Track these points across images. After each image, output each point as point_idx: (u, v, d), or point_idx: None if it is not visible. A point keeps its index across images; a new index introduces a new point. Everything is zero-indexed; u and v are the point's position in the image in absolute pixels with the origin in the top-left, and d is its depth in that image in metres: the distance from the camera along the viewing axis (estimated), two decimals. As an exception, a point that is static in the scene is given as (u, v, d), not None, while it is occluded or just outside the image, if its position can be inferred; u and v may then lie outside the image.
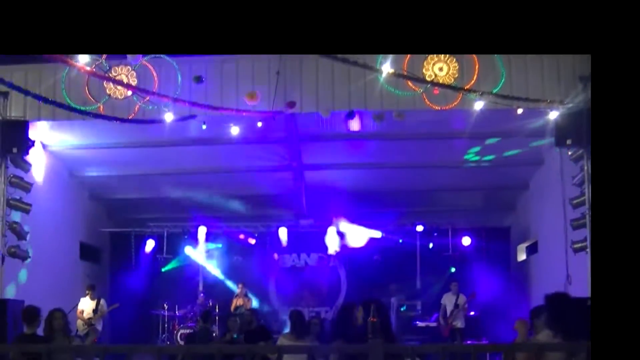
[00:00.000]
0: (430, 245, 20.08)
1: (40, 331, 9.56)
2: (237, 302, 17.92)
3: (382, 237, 20.05)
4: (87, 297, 16.45)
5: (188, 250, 20.50)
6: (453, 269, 19.86)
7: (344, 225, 19.74)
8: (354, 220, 19.76)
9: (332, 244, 20.11)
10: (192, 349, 8.96)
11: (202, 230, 20.25)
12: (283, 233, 20.37)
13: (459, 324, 17.46)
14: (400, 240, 20.19)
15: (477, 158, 17.09)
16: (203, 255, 20.47)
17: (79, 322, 15.96)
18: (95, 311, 16.19)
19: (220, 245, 20.71)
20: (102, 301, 16.52)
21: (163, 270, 20.54)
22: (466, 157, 17.07)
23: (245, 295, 18.16)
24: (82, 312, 16.14)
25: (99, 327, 16.21)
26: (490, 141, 16.14)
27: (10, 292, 13.61)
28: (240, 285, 18.36)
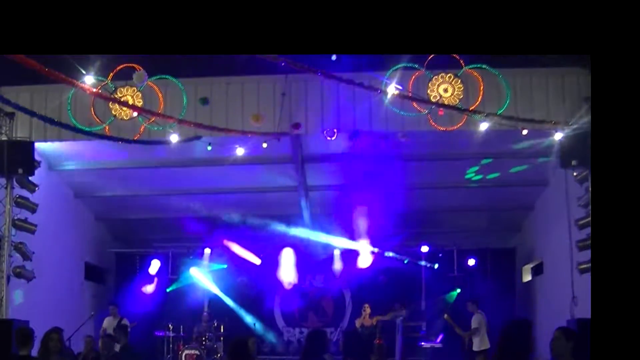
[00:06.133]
0: (436, 265, 19.95)
1: (35, 352, 9.31)
2: (362, 321, 17.73)
3: (387, 257, 19.93)
4: (111, 316, 16.70)
5: (193, 271, 20.39)
6: (458, 290, 19.68)
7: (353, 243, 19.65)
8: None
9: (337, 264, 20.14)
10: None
11: (207, 252, 20.29)
12: (288, 254, 20.34)
13: (484, 345, 16.23)
14: (406, 261, 20.06)
15: (479, 177, 17.01)
16: (208, 276, 20.40)
17: (102, 341, 15.45)
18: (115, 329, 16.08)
19: (225, 266, 20.61)
20: (124, 320, 16.45)
21: (168, 290, 20.46)
22: (467, 177, 17.03)
23: (370, 316, 17.95)
24: (105, 330, 16.07)
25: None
26: (485, 162, 16.14)
27: (15, 313, 13.58)
28: (366, 306, 18.11)
